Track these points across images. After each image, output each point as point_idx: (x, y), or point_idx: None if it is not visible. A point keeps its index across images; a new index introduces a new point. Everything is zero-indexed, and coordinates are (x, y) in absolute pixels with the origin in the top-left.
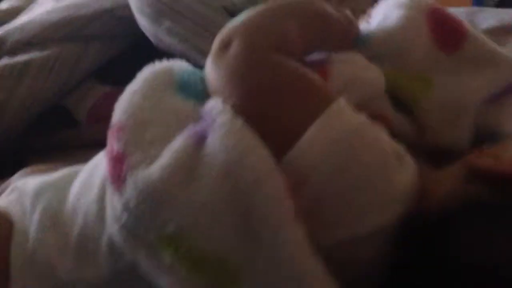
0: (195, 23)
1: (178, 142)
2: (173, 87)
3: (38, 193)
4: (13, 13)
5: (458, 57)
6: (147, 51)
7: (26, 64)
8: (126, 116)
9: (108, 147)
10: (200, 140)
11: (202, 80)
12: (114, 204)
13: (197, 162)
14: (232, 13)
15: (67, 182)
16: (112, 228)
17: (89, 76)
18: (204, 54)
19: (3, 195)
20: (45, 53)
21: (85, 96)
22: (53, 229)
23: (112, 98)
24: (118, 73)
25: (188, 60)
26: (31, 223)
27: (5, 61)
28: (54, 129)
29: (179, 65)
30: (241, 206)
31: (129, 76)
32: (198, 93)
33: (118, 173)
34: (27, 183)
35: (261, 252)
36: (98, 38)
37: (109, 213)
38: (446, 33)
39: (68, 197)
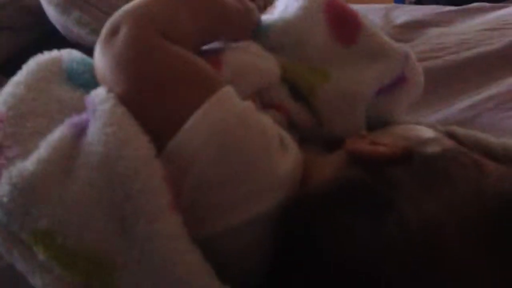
0: (105, 12)
1: (57, 134)
2: (61, 77)
3: None
4: None
5: (354, 49)
6: (57, 43)
7: None
8: (6, 107)
9: None
10: (81, 130)
11: (90, 70)
12: None
13: (75, 154)
14: None
15: None
16: None
17: None
18: None
19: None
20: None
21: None
22: None
23: None
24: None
25: None
26: None
27: None
28: None
29: (69, 54)
30: (117, 197)
31: None
32: (87, 82)
33: None
34: None
35: (136, 244)
36: (4, 29)
37: None
38: (342, 25)
39: None
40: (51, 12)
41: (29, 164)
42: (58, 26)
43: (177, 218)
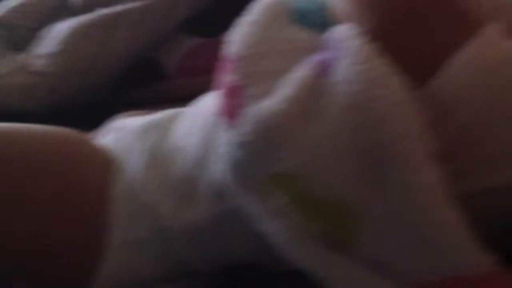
0: None
1: (300, 72)
2: (290, 17)
3: (143, 132)
4: None
5: None
6: (234, 3)
7: (120, 14)
8: (242, 47)
9: (222, 80)
10: (324, 70)
11: (321, 9)
12: (226, 140)
13: (320, 93)
14: None
15: (170, 122)
16: (220, 167)
17: (178, 29)
18: None
19: (106, 132)
20: (137, 3)
21: (173, 49)
22: (156, 169)
23: (200, 51)
24: (206, 25)
25: None
26: (134, 161)
27: (98, 12)
28: (143, 83)
29: None
30: (366, 142)
31: (217, 28)
32: (316, 22)
33: (233, 106)
34: (128, 123)
35: (386, 195)
36: None
37: (218, 151)
38: None
39: (171, 137)
40: None
41: (272, 102)
42: None
43: (437, 169)
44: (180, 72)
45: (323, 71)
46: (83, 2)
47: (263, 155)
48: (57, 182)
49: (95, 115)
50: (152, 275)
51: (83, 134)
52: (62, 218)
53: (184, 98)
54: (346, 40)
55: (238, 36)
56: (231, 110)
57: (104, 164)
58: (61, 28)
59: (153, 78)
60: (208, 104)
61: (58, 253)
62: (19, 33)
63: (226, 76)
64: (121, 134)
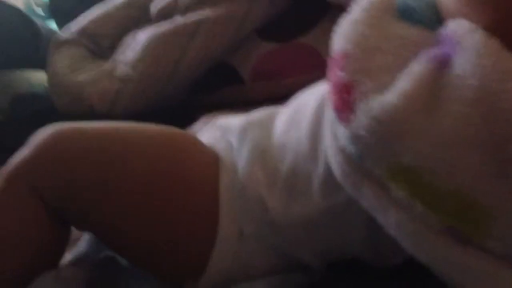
0: None
1: (417, 67)
2: (395, 13)
3: (244, 130)
4: None
5: None
6: (308, 8)
7: (198, 22)
8: (350, 44)
9: (331, 77)
10: (443, 64)
11: (426, 5)
12: (338, 135)
13: (440, 86)
14: None
15: (270, 120)
16: (332, 160)
17: (253, 34)
18: None
19: (203, 130)
20: (216, 10)
21: (249, 53)
22: (262, 165)
23: (275, 56)
24: (279, 30)
25: None
26: (239, 158)
27: (179, 20)
28: (219, 87)
29: None
30: (496, 136)
31: (292, 33)
32: (422, 19)
33: (346, 101)
34: (229, 122)
35: None
36: None
37: (329, 145)
38: None
39: (273, 134)
40: None
41: (390, 97)
42: None
43: None
44: (254, 76)
45: (441, 65)
46: (162, 11)
47: (382, 149)
48: (171, 176)
49: (174, 118)
50: (260, 267)
51: (188, 132)
52: (179, 206)
53: (258, 101)
54: (463, 35)
55: (344, 34)
56: (344, 106)
57: (211, 160)
58: (142, 36)
59: (228, 82)
60: (309, 99)
61: (174, 244)
62: (102, 42)
63: (335, 73)
64: (221, 132)
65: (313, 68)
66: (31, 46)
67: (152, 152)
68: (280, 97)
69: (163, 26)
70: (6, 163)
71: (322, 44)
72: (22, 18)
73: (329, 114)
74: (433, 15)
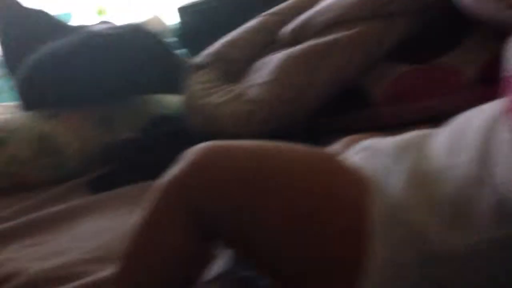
0: None
1: None
2: None
3: (400, 152)
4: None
5: None
6: (447, 28)
7: (332, 43)
8: None
9: (510, 96)
10: None
11: None
12: None
13: None
14: None
15: (425, 142)
16: (507, 188)
17: (386, 55)
18: None
19: (348, 152)
20: (351, 31)
21: (381, 75)
22: (420, 189)
23: (410, 78)
24: (416, 51)
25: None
26: (393, 181)
27: (312, 42)
28: (349, 110)
29: None
30: None
31: (430, 54)
32: None
33: None
34: (380, 142)
35: None
36: (401, 15)
37: (505, 171)
38: None
39: (429, 157)
40: None
41: None
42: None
43: None
44: (387, 100)
45: None
46: (292, 35)
47: None
48: (322, 195)
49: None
50: None
51: (336, 155)
52: (330, 229)
53: (390, 125)
54: None
55: None
56: None
57: (361, 182)
58: (273, 59)
59: (358, 106)
60: (470, 122)
61: (325, 267)
62: (234, 65)
63: None
64: (371, 153)
65: (449, 91)
66: (172, 73)
67: (304, 175)
68: (411, 122)
69: (298, 48)
70: (144, 180)
71: (466, 64)
72: (162, 46)
73: (505, 138)
74: None
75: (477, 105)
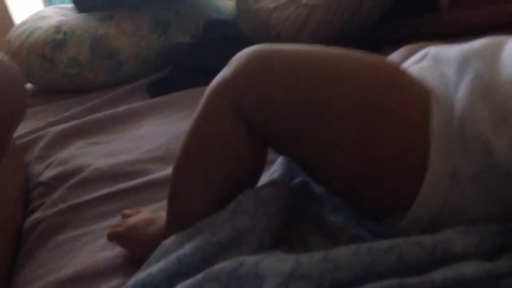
0: None
1: None
2: None
3: (465, 61)
4: None
5: None
6: None
7: None
8: None
9: None
10: None
11: None
12: None
13: None
14: None
15: (496, 51)
16: None
17: None
18: None
19: (410, 61)
20: None
21: None
22: (488, 102)
23: None
24: None
25: None
26: (457, 93)
27: None
28: (413, 15)
29: None
30: None
31: None
32: None
33: None
34: (445, 51)
35: None
36: None
37: None
38: None
39: (502, 67)
40: None
41: None
42: None
43: None
44: (453, 3)
45: None
46: None
47: None
48: (380, 99)
49: (364, 47)
50: (473, 214)
51: (395, 62)
52: (383, 135)
53: (458, 32)
54: None
55: None
56: None
57: (422, 92)
58: None
59: (424, 10)
60: None
61: (376, 170)
62: None
63: None
64: (434, 62)
65: None
66: None
67: (362, 80)
68: (480, 30)
69: None
70: (199, 85)
71: None
72: None
73: None
74: None
75: None
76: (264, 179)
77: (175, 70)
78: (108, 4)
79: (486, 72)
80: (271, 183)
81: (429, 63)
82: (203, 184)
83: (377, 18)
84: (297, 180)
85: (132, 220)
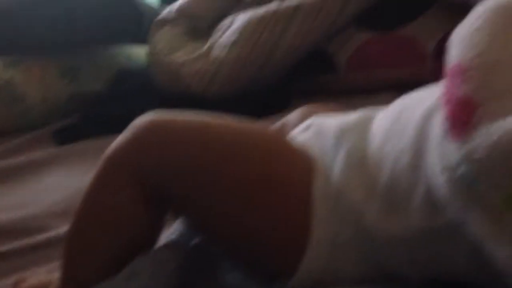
0: None
1: None
2: None
3: (340, 135)
4: None
5: None
6: None
7: (297, 8)
8: (470, 56)
9: (447, 89)
10: None
11: None
12: (447, 152)
13: None
14: None
15: (367, 124)
16: (436, 178)
17: (351, 23)
18: None
19: (297, 129)
20: None
21: (345, 42)
22: (359, 173)
23: (373, 46)
24: (381, 19)
25: (470, 5)
26: (334, 163)
27: (277, 4)
28: (315, 74)
29: None
30: None
31: (394, 23)
32: None
33: (464, 119)
34: (325, 123)
35: None
36: None
37: (434, 162)
38: None
39: (371, 140)
40: None
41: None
42: None
43: None
44: (351, 66)
45: None
46: None
47: (499, 176)
48: (265, 170)
49: (268, 102)
50: (352, 274)
51: (283, 134)
52: (267, 204)
53: (354, 90)
54: None
55: (463, 44)
56: (461, 123)
57: (305, 162)
58: (238, 19)
59: (323, 70)
60: (413, 108)
61: (262, 236)
62: (201, 23)
63: (454, 86)
64: (317, 132)
65: (410, 62)
66: (132, 22)
67: (248, 153)
68: (375, 89)
69: (261, 10)
70: (109, 133)
71: (425, 36)
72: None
73: (438, 129)
74: None
75: (437, 78)
76: (163, 239)
77: (85, 118)
78: (15, 49)
79: (358, 145)
80: (169, 245)
81: (313, 134)
82: (96, 250)
83: (284, 75)
84: (196, 240)
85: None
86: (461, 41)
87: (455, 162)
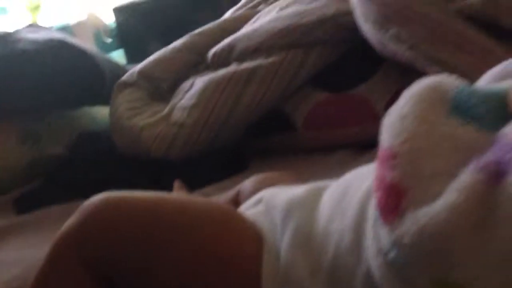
0: (426, 28)
1: (467, 178)
2: (445, 108)
3: (288, 210)
4: (241, 22)
5: None
6: (362, 57)
7: (253, 70)
8: (398, 142)
9: (378, 174)
10: (497, 175)
11: (482, 102)
12: (379, 236)
13: (491, 204)
14: (469, 17)
15: (314, 200)
16: (372, 261)
17: (306, 83)
18: (434, 61)
19: (249, 203)
20: (270, 59)
21: (302, 102)
22: (305, 251)
23: (328, 106)
24: (335, 80)
25: (415, 68)
26: (282, 241)
27: (234, 67)
28: (272, 134)
29: (450, 82)
30: None
31: (347, 84)
32: (479, 116)
33: (393, 205)
34: (275, 197)
35: None
36: (319, 44)
37: (370, 244)
38: None
39: (318, 217)
40: (367, 29)
41: (439, 210)
42: (373, 42)
43: None
44: (306, 125)
45: (495, 177)
46: (217, 57)
47: (427, 261)
48: (215, 247)
49: (227, 162)
50: None
51: (234, 209)
52: (217, 281)
53: (310, 149)
54: None
55: (391, 127)
56: (388, 209)
57: (254, 239)
58: (198, 82)
59: (281, 130)
60: (358, 185)
61: None
62: (161, 85)
63: (383, 171)
64: (266, 207)
65: (364, 121)
66: (96, 85)
67: (195, 231)
68: (333, 146)
69: (219, 73)
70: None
71: (376, 96)
72: (86, 60)
73: (373, 211)
74: (488, 113)
75: None
76: None
77: (46, 183)
78: None
79: (305, 222)
80: None
81: (263, 208)
82: None
83: (241, 135)
84: None
85: None
86: (390, 125)
87: (387, 247)
